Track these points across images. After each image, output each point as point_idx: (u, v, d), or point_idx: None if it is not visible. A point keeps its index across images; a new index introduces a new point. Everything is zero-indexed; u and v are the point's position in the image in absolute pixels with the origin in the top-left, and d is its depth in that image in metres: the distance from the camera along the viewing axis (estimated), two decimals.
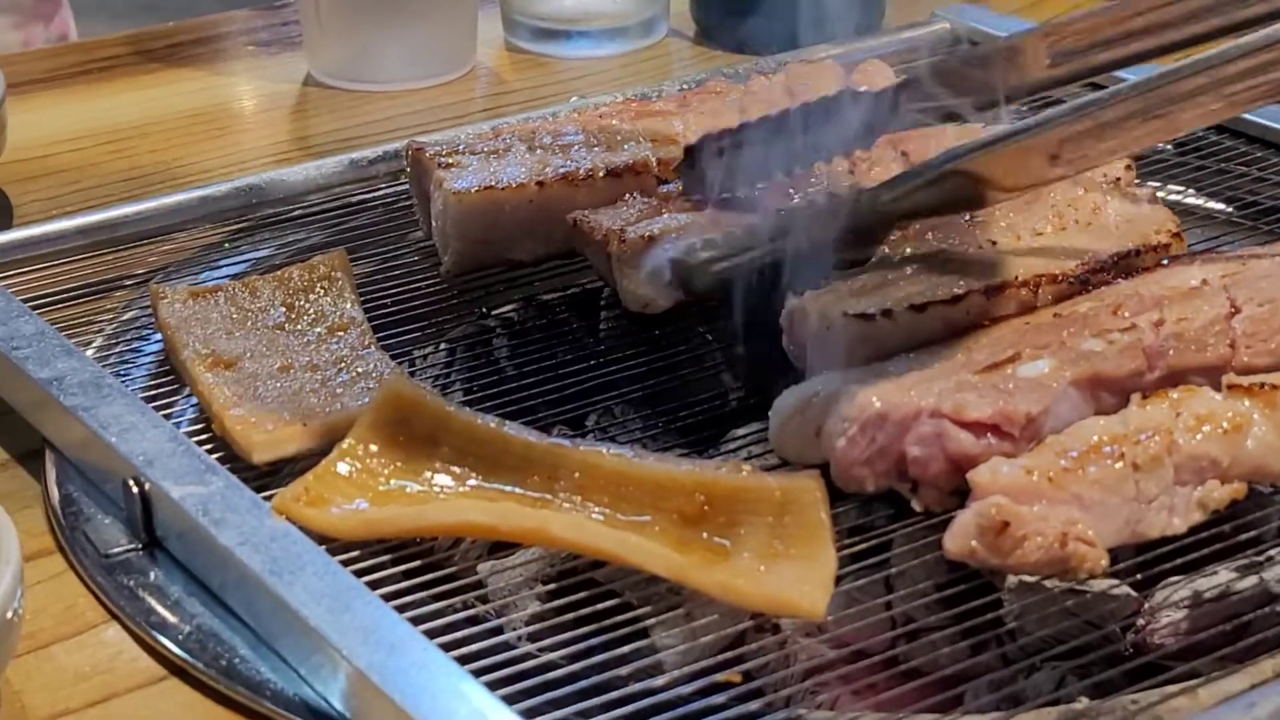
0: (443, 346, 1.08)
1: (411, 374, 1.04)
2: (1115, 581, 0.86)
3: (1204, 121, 0.96)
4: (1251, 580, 0.86)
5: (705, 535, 0.82)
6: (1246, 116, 1.26)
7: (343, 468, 0.87)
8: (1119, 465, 0.81)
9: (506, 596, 0.87)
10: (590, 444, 0.86)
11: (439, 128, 1.33)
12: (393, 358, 1.02)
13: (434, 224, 1.09)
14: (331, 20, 1.45)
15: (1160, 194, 1.22)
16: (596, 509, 0.84)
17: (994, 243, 0.99)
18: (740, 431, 0.96)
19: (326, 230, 1.18)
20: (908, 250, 0.98)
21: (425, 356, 1.07)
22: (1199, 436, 0.83)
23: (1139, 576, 0.86)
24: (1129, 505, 0.81)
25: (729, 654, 0.81)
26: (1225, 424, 0.83)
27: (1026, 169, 0.94)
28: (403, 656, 0.75)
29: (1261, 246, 0.98)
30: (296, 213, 1.20)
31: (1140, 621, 0.85)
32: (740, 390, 1.03)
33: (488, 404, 1.00)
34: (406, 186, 1.18)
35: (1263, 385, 0.84)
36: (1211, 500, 0.83)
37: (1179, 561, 0.85)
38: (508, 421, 0.89)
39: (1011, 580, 0.84)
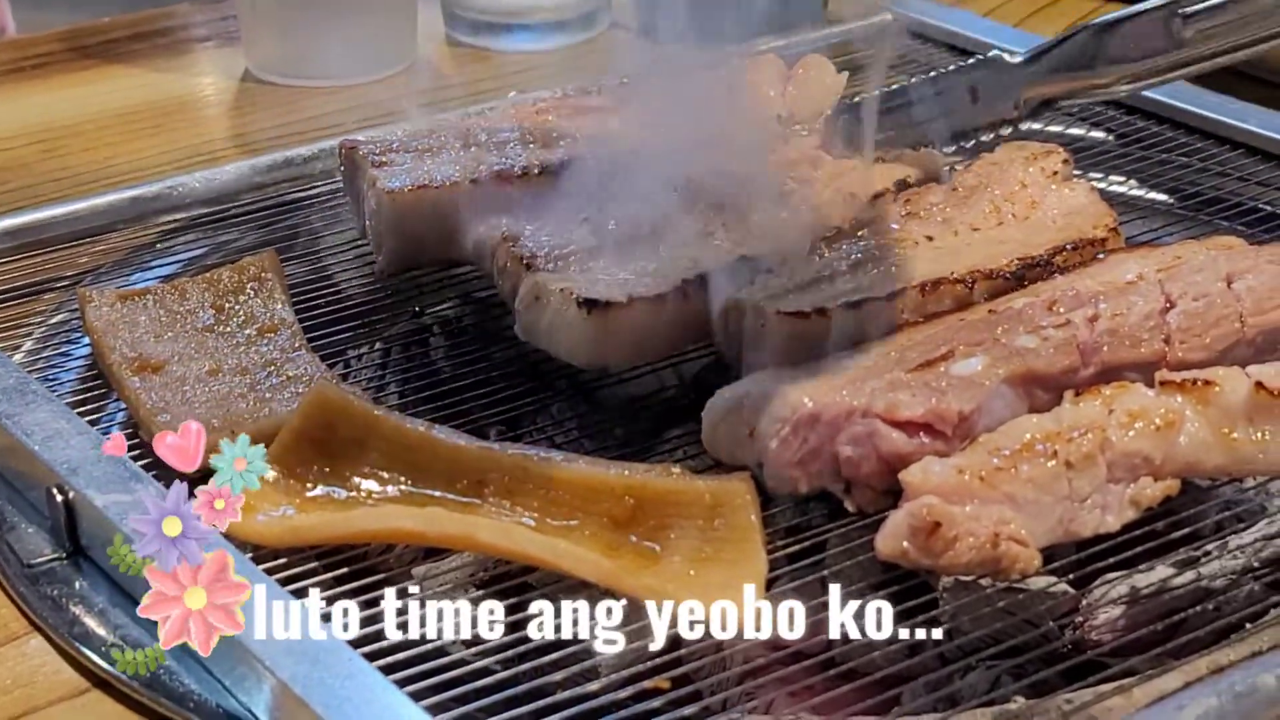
0: (377, 346, 1.07)
1: (345, 375, 1.03)
2: (1053, 579, 0.86)
3: None
4: (1189, 576, 0.86)
5: (635, 539, 0.81)
6: (1187, 107, 1.26)
7: (270, 474, 0.85)
8: (1052, 464, 0.80)
9: (440, 600, 0.86)
10: (519, 448, 0.85)
11: (378, 123, 1.31)
12: (327, 359, 1.01)
13: (368, 223, 1.08)
14: (269, 15, 1.44)
15: (1102, 185, 1.22)
16: (526, 513, 0.83)
17: (930, 238, 0.98)
18: (675, 431, 0.96)
19: (260, 230, 1.16)
20: (843, 246, 0.97)
21: (360, 357, 1.06)
22: (1132, 433, 0.82)
23: (1073, 576, 0.85)
24: (1062, 504, 0.81)
25: (665, 658, 0.80)
26: (1158, 420, 0.82)
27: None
28: (327, 668, 0.74)
29: (1197, 240, 0.97)
30: (230, 212, 1.19)
31: (1078, 618, 0.85)
32: (676, 388, 1.03)
33: (423, 405, 0.99)
34: (337, 182, 1.17)
35: (1195, 381, 0.84)
36: (1145, 497, 0.82)
37: (1116, 559, 0.84)
38: (437, 425, 0.88)
39: (947, 580, 0.84)
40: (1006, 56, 1.12)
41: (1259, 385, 0.83)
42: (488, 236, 1.02)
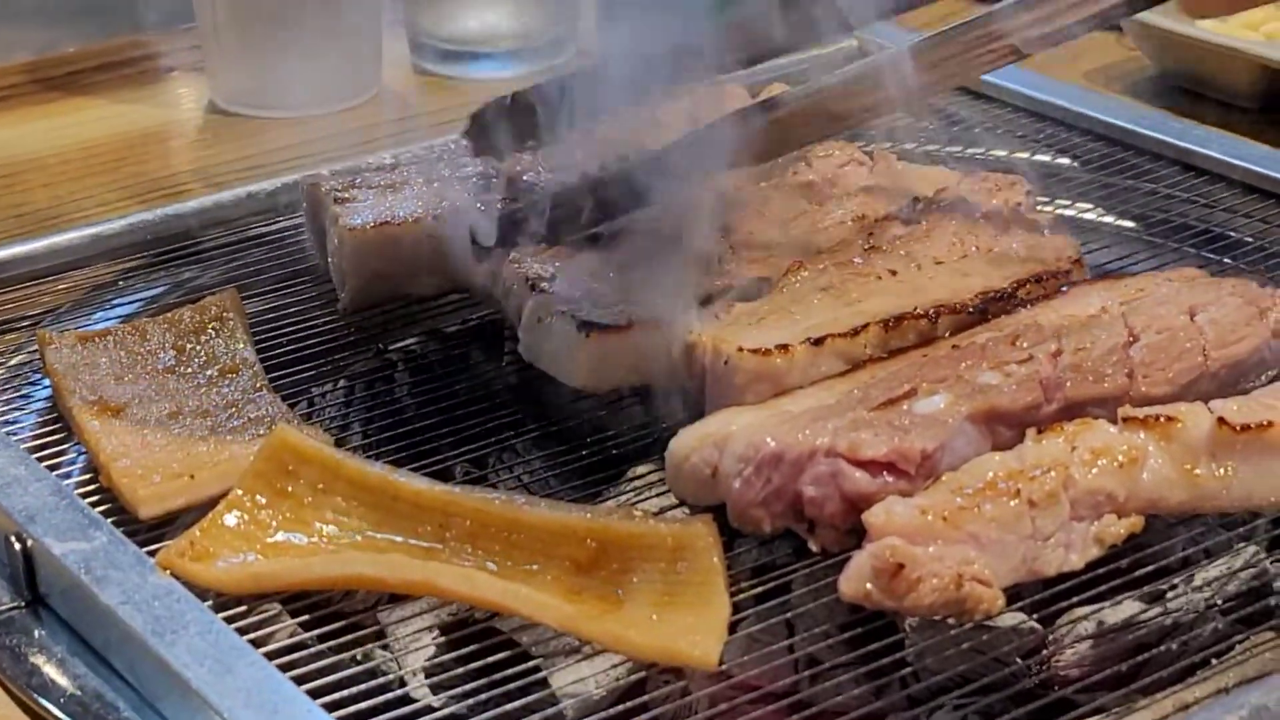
0: (341, 384, 1.06)
1: (308, 414, 1.03)
2: (1020, 616, 0.85)
3: None
4: (1155, 611, 0.86)
5: (598, 583, 0.81)
6: (1151, 133, 1.26)
7: (230, 520, 0.85)
8: (1014, 503, 0.80)
9: (405, 644, 0.85)
10: (481, 491, 0.85)
11: (344, 154, 1.30)
12: (290, 398, 1.01)
13: (330, 260, 1.07)
14: (233, 45, 1.43)
15: (1070, 211, 1.22)
16: (488, 558, 0.83)
17: (894, 271, 0.98)
18: (640, 470, 0.95)
19: (222, 266, 1.16)
20: (805, 280, 0.97)
21: (323, 395, 1.06)
22: (1095, 471, 0.82)
23: (1040, 613, 0.85)
24: (1025, 543, 0.80)
25: (631, 702, 0.80)
26: (1121, 457, 0.82)
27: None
28: (287, 718, 0.73)
29: (1160, 271, 0.97)
30: (192, 249, 1.18)
31: (1045, 656, 0.85)
32: (642, 425, 1.02)
33: (387, 445, 0.99)
34: (301, 217, 1.16)
35: (1158, 417, 0.84)
36: (1108, 535, 0.82)
37: (1084, 595, 0.84)
38: (399, 469, 0.87)
39: (913, 619, 0.84)
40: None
41: (1221, 421, 0.83)
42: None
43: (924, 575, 0.78)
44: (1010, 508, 0.80)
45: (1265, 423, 0.83)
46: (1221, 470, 0.83)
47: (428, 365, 1.08)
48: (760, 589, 0.85)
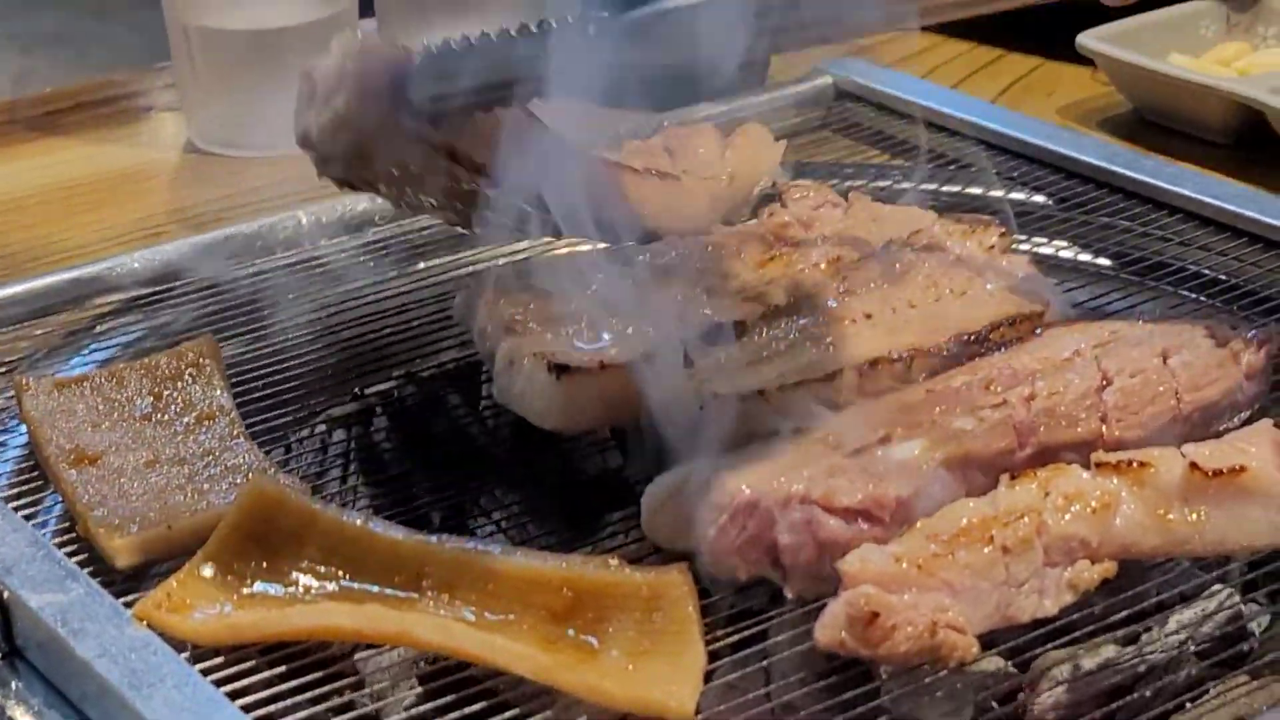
0: (318, 430, 1.06)
1: (285, 461, 1.03)
2: (997, 661, 0.86)
3: None
4: (1131, 654, 0.86)
5: (573, 633, 0.81)
6: (1128, 172, 1.26)
7: (207, 571, 0.85)
8: (988, 549, 0.81)
9: (384, 692, 0.85)
10: (457, 540, 0.85)
11: (323, 195, 1.31)
12: (267, 444, 1.01)
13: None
14: (211, 83, 1.44)
15: (1046, 250, 1.22)
16: (464, 607, 0.83)
17: (869, 315, 0.98)
18: (617, 515, 0.96)
19: (199, 310, 1.15)
20: (781, 325, 0.97)
21: (300, 441, 1.06)
22: (1068, 517, 0.82)
23: (1012, 661, 0.85)
24: (999, 589, 0.81)
25: None
26: (1094, 503, 0.83)
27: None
28: None
29: (1129, 321, 0.98)
30: (169, 292, 1.18)
31: (1022, 700, 0.85)
32: (620, 469, 1.02)
33: (364, 491, 0.99)
34: (282, 260, 1.17)
35: (1130, 462, 0.84)
36: (1082, 581, 0.82)
37: (1061, 639, 0.85)
38: (375, 518, 0.87)
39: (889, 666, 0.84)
40: None
41: (1193, 465, 0.84)
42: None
43: (898, 623, 0.78)
44: (984, 555, 0.81)
45: (1237, 467, 0.84)
46: (1194, 515, 0.84)
47: (405, 409, 1.08)
48: (736, 636, 0.85)
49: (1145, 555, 0.85)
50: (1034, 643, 0.84)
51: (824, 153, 1.37)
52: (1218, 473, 0.83)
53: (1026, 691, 0.85)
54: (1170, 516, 0.83)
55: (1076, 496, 0.83)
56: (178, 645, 0.82)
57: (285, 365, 1.09)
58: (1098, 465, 0.84)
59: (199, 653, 0.82)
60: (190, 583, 0.84)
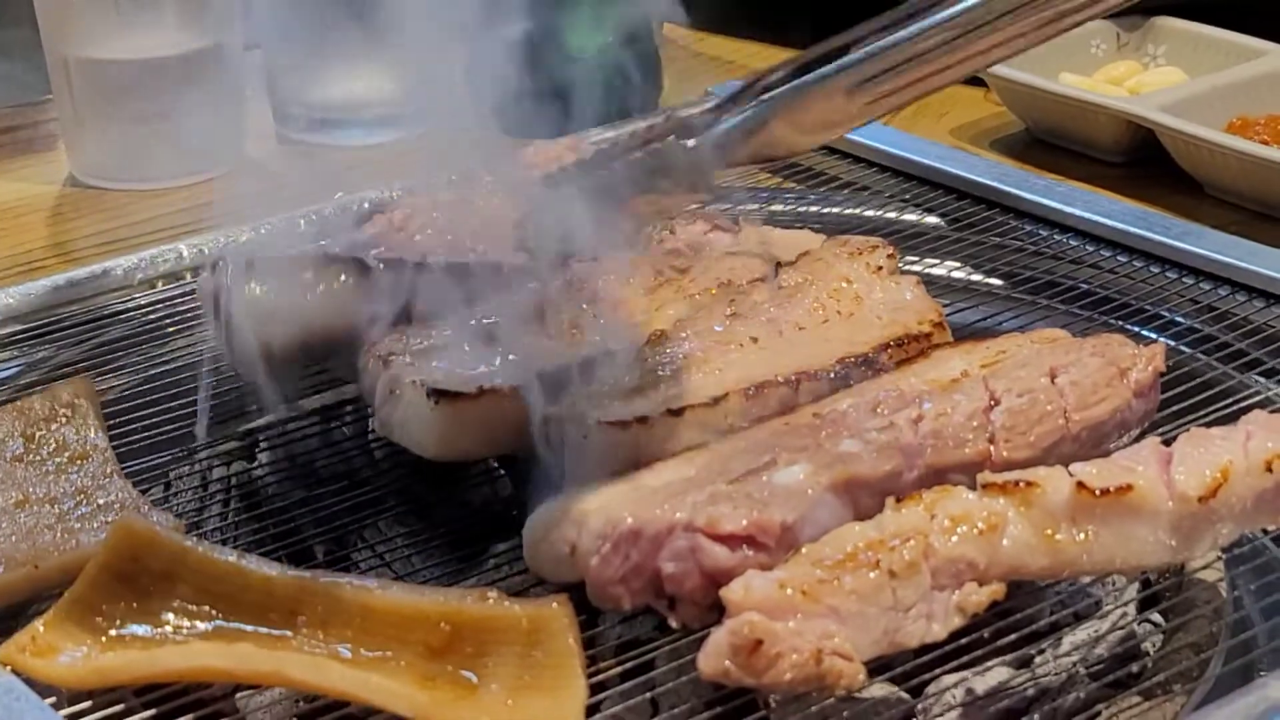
0: (198, 466, 1.04)
1: (164, 499, 1.01)
2: (889, 687, 0.84)
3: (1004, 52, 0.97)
4: (1024, 676, 0.85)
5: (451, 668, 0.79)
6: (1019, 192, 1.26)
7: (75, 612, 0.83)
8: (874, 574, 0.79)
9: None
10: (332, 575, 0.83)
11: (207, 226, 1.29)
12: (145, 481, 0.99)
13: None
14: (90, 116, 1.41)
15: (937, 270, 1.22)
16: (340, 644, 0.81)
17: (755, 339, 0.97)
18: (500, 547, 0.94)
19: (78, 345, 1.13)
20: (666, 350, 0.96)
21: (180, 478, 1.03)
22: (955, 539, 0.81)
23: (904, 686, 0.84)
24: (886, 614, 0.79)
25: None
26: (981, 524, 0.81)
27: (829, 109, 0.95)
28: None
29: (1022, 333, 0.97)
30: (47, 327, 1.15)
31: None
32: (505, 499, 1.01)
33: (245, 527, 0.97)
34: (163, 294, 1.16)
35: (1017, 483, 0.83)
36: (971, 604, 0.81)
37: (953, 662, 0.83)
38: (249, 555, 0.85)
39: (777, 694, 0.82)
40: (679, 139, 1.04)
41: (1080, 485, 0.83)
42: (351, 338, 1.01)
43: (783, 651, 0.76)
44: (870, 579, 0.79)
45: (1124, 485, 0.83)
46: (1082, 535, 0.83)
47: (287, 444, 1.06)
48: (623, 667, 0.84)
49: (1034, 576, 0.84)
50: (925, 667, 0.83)
51: (715, 177, 1.35)
52: (1105, 491, 0.82)
53: (919, 717, 0.84)
54: (1058, 537, 0.82)
55: (963, 518, 0.82)
56: (43, 691, 0.79)
57: (166, 400, 1.07)
58: (984, 486, 0.83)
59: (68, 696, 0.80)
60: (57, 624, 0.82)
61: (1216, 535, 0.85)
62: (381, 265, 1.02)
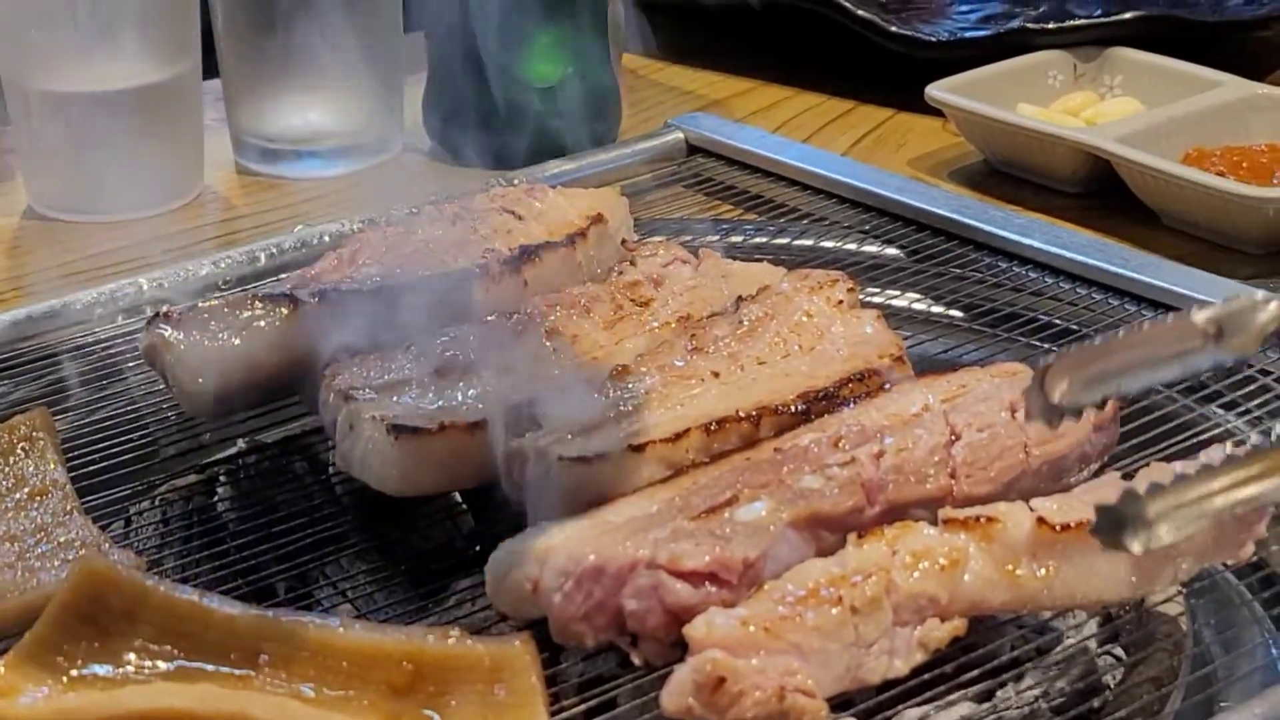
0: (158, 502, 1.04)
1: (124, 535, 1.00)
2: None
3: None
4: (985, 710, 0.85)
5: (415, 707, 0.79)
6: (978, 224, 1.26)
7: (36, 652, 0.82)
8: (836, 610, 0.79)
9: None
10: (294, 614, 0.83)
11: (165, 259, 1.28)
12: (104, 518, 0.98)
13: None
14: (51, 148, 1.40)
15: (899, 302, 1.22)
16: (303, 683, 0.80)
17: (716, 374, 0.97)
18: (463, 583, 0.94)
19: (35, 381, 1.13)
20: (628, 385, 0.95)
21: (140, 514, 1.03)
22: (916, 575, 0.81)
23: None
24: (849, 651, 0.79)
25: None
26: (942, 560, 0.82)
27: None
28: None
29: (982, 367, 0.97)
30: (5, 362, 1.15)
31: None
32: (468, 536, 1.01)
33: (206, 564, 0.96)
34: (119, 328, 1.16)
35: (978, 518, 0.83)
36: (932, 639, 0.81)
37: (916, 698, 0.83)
38: (211, 594, 0.84)
39: None
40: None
41: (1040, 520, 0.83)
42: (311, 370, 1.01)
43: (746, 688, 0.77)
44: (833, 615, 0.79)
45: (1085, 521, 0.83)
46: (1043, 570, 0.83)
47: (249, 478, 1.06)
48: (586, 705, 0.83)
49: (995, 611, 0.84)
50: (887, 704, 0.83)
51: (675, 209, 1.36)
52: (1065, 527, 0.83)
53: None
54: (1019, 572, 0.83)
55: (924, 554, 0.82)
56: None
57: (125, 436, 1.06)
58: (945, 522, 0.84)
59: None
60: (18, 665, 0.81)
61: (1176, 570, 0.86)
62: (315, 298, 1.03)
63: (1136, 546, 0.69)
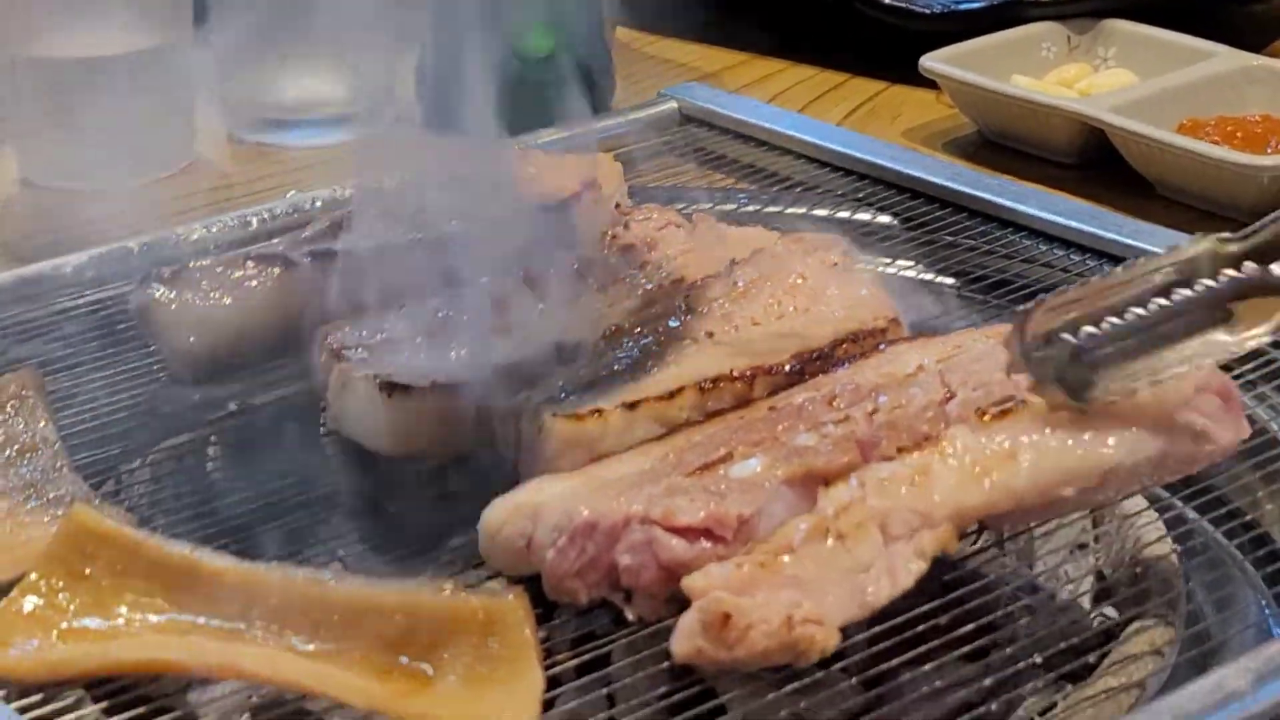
0: (150, 461, 1.03)
1: (115, 493, 1.00)
2: (845, 679, 0.84)
3: None
4: (978, 669, 0.85)
5: (407, 660, 0.79)
6: (969, 190, 1.26)
7: (26, 605, 0.82)
8: (829, 541, 0.79)
9: None
10: (286, 568, 0.82)
11: (158, 225, 1.28)
12: (95, 476, 0.98)
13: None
14: (40, 116, 1.40)
15: (890, 269, 1.22)
16: (295, 636, 0.80)
17: (711, 334, 0.97)
18: (456, 541, 0.93)
19: (24, 344, 1.12)
20: (622, 345, 0.95)
21: (131, 473, 1.03)
22: (890, 496, 0.82)
23: (859, 679, 0.84)
24: (849, 577, 0.79)
25: None
26: (914, 478, 0.82)
27: None
28: None
29: (977, 329, 0.97)
30: None
31: (868, 718, 0.83)
32: (461, 494, 1.00)
33: (196, 523, 0.96)
34: (112, 292, 1.15)
35: (926, 438, 0.84)
36: (928, 547, 0.81)
37: (908, 654, 0.83)
38: (203, 548, 0.84)
39: (734, 690, 0.82)
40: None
41: (979, 412, 0.85)
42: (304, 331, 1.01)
43: (753, 622, 0.76)
44: (825, 546, 0.79)
45: (1009, 398, 0.85)
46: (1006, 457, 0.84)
47: (240, 439, 1.05)
48: (579, 660, 0.83)
49: (981, 514, 0.84)
50: (880, 657, 0.83)
51: (668, 178, 1.36)
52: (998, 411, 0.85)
53: (874, 711, 0.83)
54: (981, 469, 0.83)
55: (891, 479, 0.82)
56: None
57: (116, 397, 1.06)
58: (899, 449, 0.84)
59: (18, 689, 0.79)
60: (8, 618, 0.81)
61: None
62: (308, 259, 1.03)
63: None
